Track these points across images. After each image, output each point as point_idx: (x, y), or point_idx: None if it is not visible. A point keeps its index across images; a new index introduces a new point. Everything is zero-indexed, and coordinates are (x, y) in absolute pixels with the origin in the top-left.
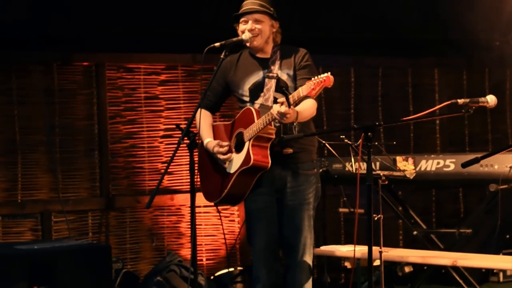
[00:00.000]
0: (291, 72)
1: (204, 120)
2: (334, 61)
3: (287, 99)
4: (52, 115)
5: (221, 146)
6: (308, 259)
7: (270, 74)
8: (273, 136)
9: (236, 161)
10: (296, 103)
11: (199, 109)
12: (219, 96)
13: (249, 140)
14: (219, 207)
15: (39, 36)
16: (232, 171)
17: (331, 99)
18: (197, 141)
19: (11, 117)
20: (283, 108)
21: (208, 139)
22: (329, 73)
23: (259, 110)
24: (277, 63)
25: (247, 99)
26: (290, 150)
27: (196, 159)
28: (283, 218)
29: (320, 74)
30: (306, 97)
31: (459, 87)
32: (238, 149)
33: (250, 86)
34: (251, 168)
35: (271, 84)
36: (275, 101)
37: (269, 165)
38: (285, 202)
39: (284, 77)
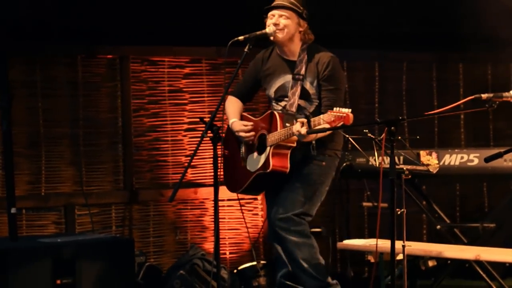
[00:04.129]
0: (314, 81)
1: (233, 104)
2: (358, 55)
3: (309, 123)
4: (76, 108)
5: (245, 125)
6: None
7: (297, 77)
8: (294, 145)
9: (257, 161)
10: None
11: (227, 96)
12: (249, 87)
13: (271, 146)
14: (241, 201)
15: (63, 28)
16: (251, 169)
17: (355, 93)
18: (222, 135)
19: (35, 109)
20: (303, 130)
21: (234, 119)
22: (349, 110)
23: (283, 116)
24: (303, 66)
25: (272, 101)
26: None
27: (219, 153)
28: None
29: (340, 86)
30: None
31: (484, 82)
32: (260, 151)
33: (276, 89)
34: (269, 173)
35: (296, 88)
36: (299, 107)
37: (288, 170)
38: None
39: (307, 85)
